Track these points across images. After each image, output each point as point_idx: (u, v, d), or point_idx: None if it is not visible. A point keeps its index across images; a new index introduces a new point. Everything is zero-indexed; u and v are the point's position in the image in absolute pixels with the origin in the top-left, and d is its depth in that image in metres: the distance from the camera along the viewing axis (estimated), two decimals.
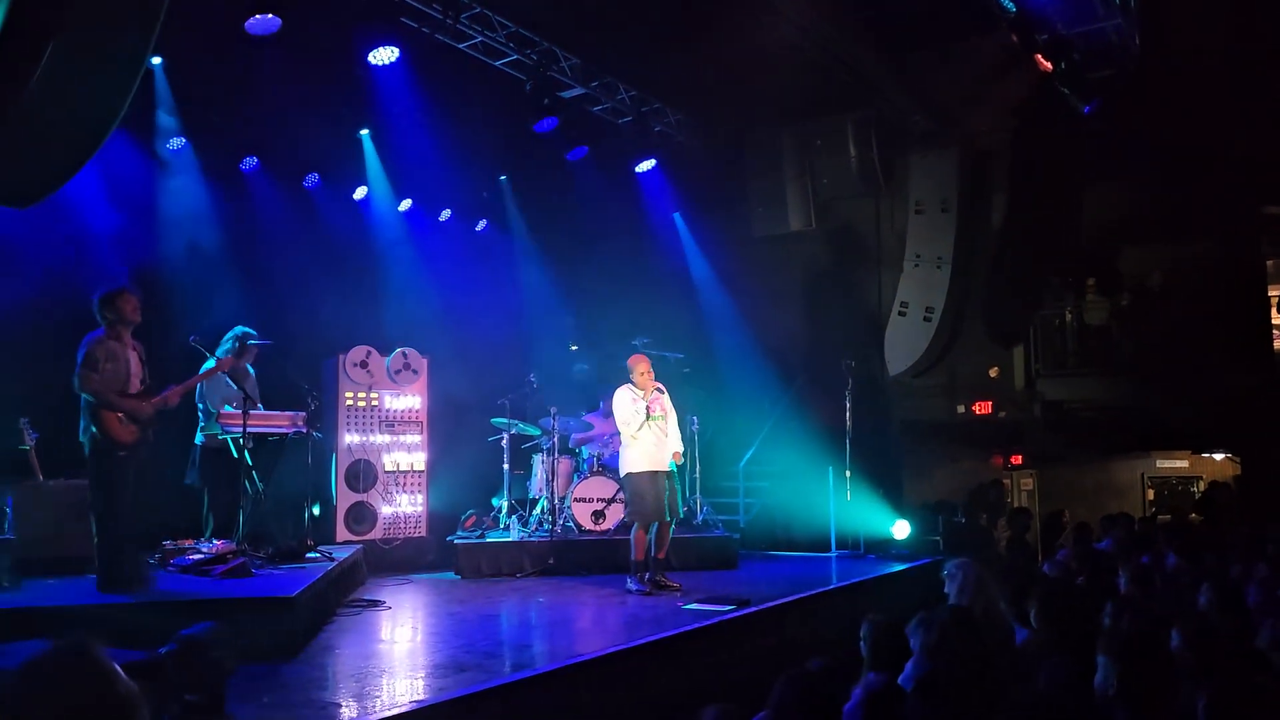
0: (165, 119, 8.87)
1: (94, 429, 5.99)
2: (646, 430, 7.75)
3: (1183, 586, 5.51)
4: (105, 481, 6.03)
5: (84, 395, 6.01)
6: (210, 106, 9.04)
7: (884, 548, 10.38)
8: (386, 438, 9.62)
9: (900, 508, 11.09)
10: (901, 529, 10.49)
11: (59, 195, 5.35)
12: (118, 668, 1.81)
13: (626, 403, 7.83)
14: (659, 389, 7.97)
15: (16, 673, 1.75)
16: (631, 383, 7.96)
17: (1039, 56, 9.64)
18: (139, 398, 6.19)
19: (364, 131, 10.66)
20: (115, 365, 6.09)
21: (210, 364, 7.37)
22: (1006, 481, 12.49)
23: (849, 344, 12.48)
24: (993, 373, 12.71)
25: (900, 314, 12.76)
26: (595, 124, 11.42)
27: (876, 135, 12.62)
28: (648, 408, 7.78)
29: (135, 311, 6.19)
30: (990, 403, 12.63)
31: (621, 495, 8.38)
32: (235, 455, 7.40)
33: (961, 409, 12.78)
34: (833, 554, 10.38)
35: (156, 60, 8.38)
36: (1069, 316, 12.38)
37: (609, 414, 8.31)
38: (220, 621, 3.72)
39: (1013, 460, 12.56)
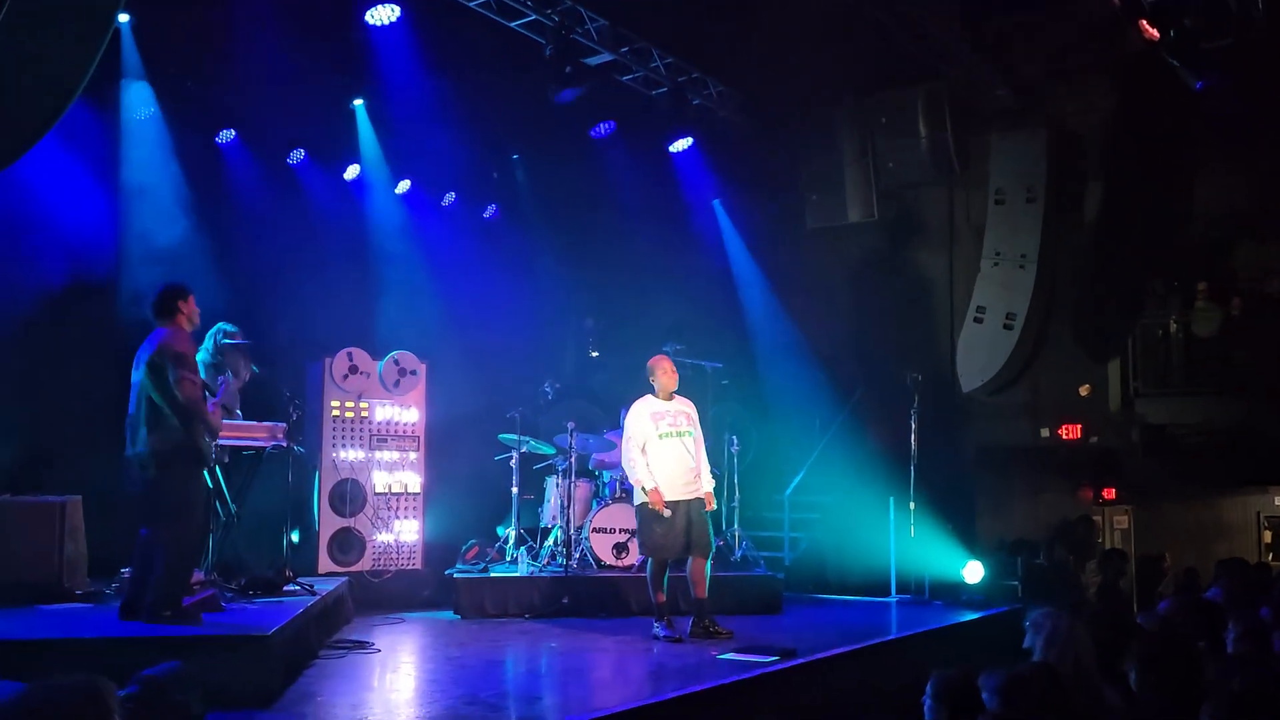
0: (133, 84, 8.99)
1: (178, 439, 6.20)
2: (667, 446, 7.70)
3: None
4: (179, 496, 6.27)
5: (186, 402, 6.19)
6: (184, 71, 9.16)
7: (953, 593, 10.30)
8: (378, 454, 9.67)
9: (972, 546, 11.00)
10: (974, 571, 10.41)
11: (11, 169, 5.44)
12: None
13: (642, 417, 7.79)
14: (683, 403, 7.93)
15: (17, 707, 1.79)
16: (652, 391, 7.93)
17: (1143, 22, 9.54)
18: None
19: (358, 102, 10.75)
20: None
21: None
22: (1097, 518, 12.36)
23: (915, 355, 12.41)
24: (1083, 390, 12.60)
25: (976, 320, 12.68)
26: (624, 96, 11.45)
27: (951, 112, 12.55)
28: (670, 422, 7.74)
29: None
30: (1079, 425, 12.51)
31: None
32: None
33: (1046, 432, 12.67)
34: (892, 599, 10.33)
35: (124, 18, 8.49)
36: (1174, 326, 12.25)
37: None
38: (186, 661, 3.75)
39: (1105, 494, 12.43)
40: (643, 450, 7.68)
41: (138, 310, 8.27)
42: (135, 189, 9.23)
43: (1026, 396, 12.84)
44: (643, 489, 7.64)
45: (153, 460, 6.20)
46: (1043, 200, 12.35)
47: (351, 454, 9.55)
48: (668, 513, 7.61)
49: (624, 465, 7.84)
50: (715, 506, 8.09)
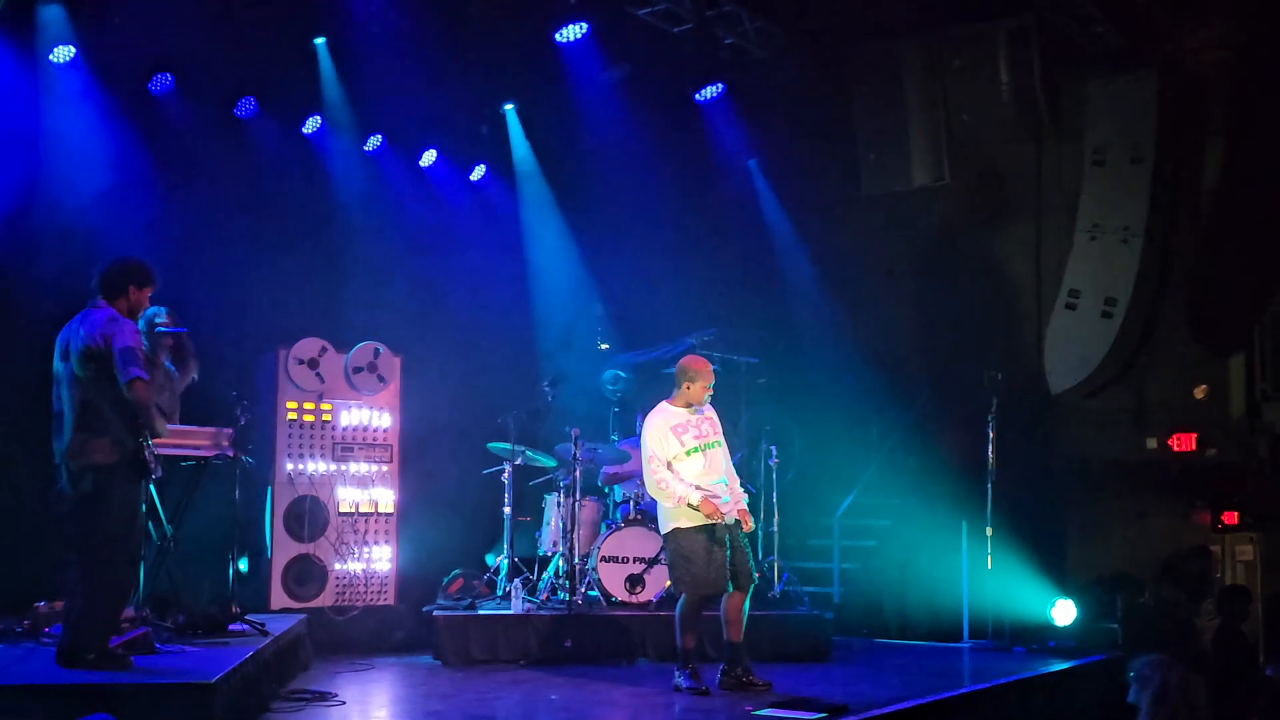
0: (49, 16, 9.03)
1: (120, 451, 6.22)
2: (695, 463, 7.72)
3: None
4: (114, 519, 6.27)
5: (138, 405, 6.23)
6: (109, 3, 9.20)
7: (1039, 637, 10.31)
8: (343, 466, 9.74)
9: (1062, 582, 11.01)
10: (1064, 612, 10.41)
11: None
12: None
13: (661, 433, 7.79)
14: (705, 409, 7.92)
15: None
16: (668, 398, 7.93)
17: None
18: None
19: (319, 40, 10.79)
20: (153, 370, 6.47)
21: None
22: (1216, 548, 12.30)
23: (994, 349, 12.38)
24: (1199, 393, 12.55)
25: (1069, 306, 12.66)
26: (641, 32, 11.45)
27: (1039, 53, 12.51)
28: (696, 435, 7.75)
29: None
30: (1194, 435, 12.47)
31: (665, 556, 8.38)
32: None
33: (1153, 443, 12.62)
34: (965, 644, 10.37)
35: None
36: None
37: None
38: (114, 714, 3.81)
39: (1225, 518, 12.36)
40: (669, 468, 7.67)
41: (42, 291, 8.37)
42: (50, 147, 9.28)
43: (1130, 400, 12.80)
44: (690, 504, 7.59)
45: (90, 473, 6.19)
46: (1151, 160, 12.29)
47: (311, 466, 9.60)
48: (728, 519, 7.62)
49: (651, 491, 7.82)
50: (753, 527, 8.10)
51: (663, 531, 7.89)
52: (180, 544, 8.03)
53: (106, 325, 6.22)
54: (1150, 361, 12.71)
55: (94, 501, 6.20)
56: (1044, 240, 13.22)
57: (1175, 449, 12.52)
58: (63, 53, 9.30)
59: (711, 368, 7.97)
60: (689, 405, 7.82)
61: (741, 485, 8.12)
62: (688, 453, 7.71)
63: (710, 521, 7.57)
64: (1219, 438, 12.41)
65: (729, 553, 7.67)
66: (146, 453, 6.27)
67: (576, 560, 9.48)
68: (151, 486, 7.42)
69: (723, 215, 13.23)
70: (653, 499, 8.05)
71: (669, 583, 8.43)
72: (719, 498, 7.63)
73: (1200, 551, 12.01)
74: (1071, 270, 12.68)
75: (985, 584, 10.44)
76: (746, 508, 7.91)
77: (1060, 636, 10.31)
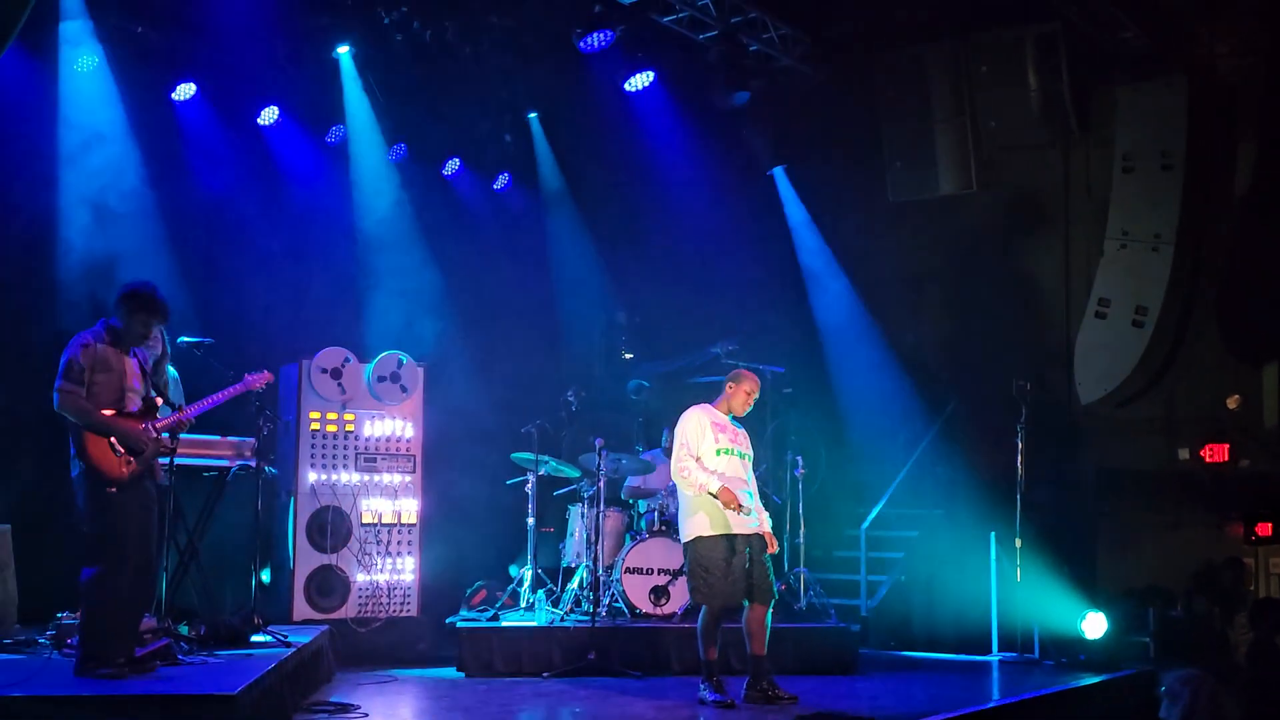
0: (72, 27, 9.09)
1: (80, 459, 6.38)
2: (724, 464, 7.69)
3: None
4: (95, 526, 6.41)
5: (66, 416, 6.40)
6: (134, 12, 9.24)
7: (1069, 651, 10.23)
8: (365, 477, 9.74)
9: (1093, 594, 10.92)
10: (1095, 625, 10.34)
11: None
12: None
13: (701, 423, 7.80)
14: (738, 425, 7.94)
15: None
16: (711, 404, 7.93)
17: None
18: (138, 418, 6.57)
19: (342, 49, 10.82)
20: (109, 376, 6.49)
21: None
22: (1249, 560, 12.23)
23: (1023, 358, 12.32)
24: (1232, 403, 12.47)
25: (1098, 316, 12.60)
26: (666, 40, 11.47)
27: (1067, 59, 12.48)
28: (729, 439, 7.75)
29: (149, 329, 6.70)
30: (1227, 446, 12.38)
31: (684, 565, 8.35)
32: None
33: (1185, 454, 12.54)
34: (994, 657, 10.30)
35: None
36: None
37: None
38: None
39: (1259, 530, 12.28)
40: (697, 461, 7.68)
41: (73, 306, 8.43)
42: (74, 158, 9.34)
43: (1161, 409, 12.72)
44: (709, 492, 7.58)
45: (73, 483, 6.45)
46: (1182, 167, 12.23)
47: (334, 476, 9.61)
48: (746, 508, 7.59)
49: (674, 476, 7.80)
50: (778, 549, 8.07)
51: (683, 540, 7.89)
52: (203, 555, 8.07)
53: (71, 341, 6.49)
54: (1181, 371, 12.63)
55: (84, 509, 6.40)
56: (1073, 248, 13.16)
57: (1207, 460, 12.44)
58: (86, 62, 9.35)
59: (757, 381, 7.97)
60: (729, 412, 7.86)
61: (773, 499, 8.11)
62: (718, 451, 7.72)
63: (730, 530, 7.56)
64: (1252, 448, 12.33)
65: (749, 565, 7.65)
66: (108, 463, 6.36)
67: (600, 572, 9.45)
68: (171, 498, 7.49)
69: (748, 223, 13.20)
70: (674, 511, 8.04)
71: (689, 596, 8.40)
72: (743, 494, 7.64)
73: (1233, 564, 11.94)
74: (1101, 279, 12.62)
75: (1014, 596, 10.37)
76: (771, 531, 7.88)
77: (1091, 650, 10.23)
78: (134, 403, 6.59)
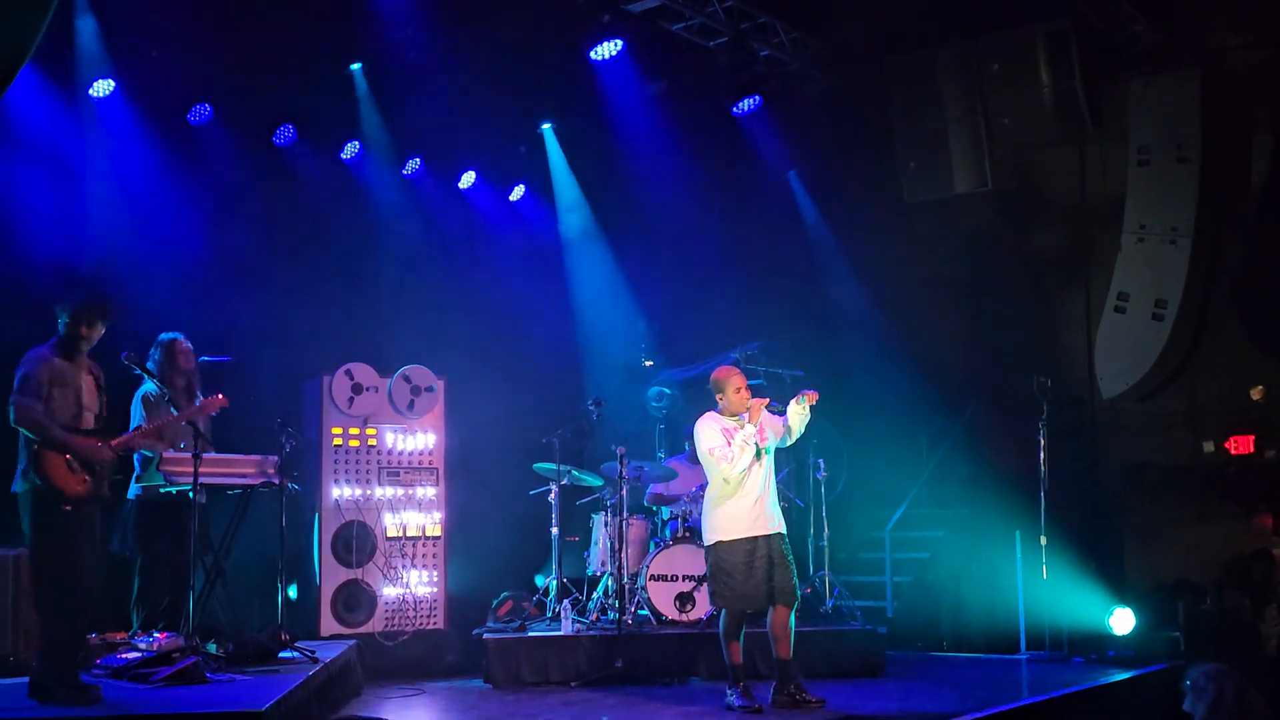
0: (88, 52, 9.14)
1: (34, 475, 6.31)
2: (745, 475, 7.68)
3: None
4: (48, 545, 6.37)
5: (22, 430, 6.35)
6: (148, 36, 9.29)
7: (1098, 647, 10.21)
8: (388, 491, 9.75)
9: (1121, 590, 10.88)
10: (1123, 621, 10.30)
11: None
12: None
13: (714, 428, 7.78)
14: (771, 407, 7.89)
15: None
16: (716, 411, 7.91)
17: None
18: (94, 435, 6.53)
19: (356, 65, 10.86)
20: (65, 392, 6.45)
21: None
22: (1278, 552, 12.16)
23: (1043, 355, 12.27)
24: (1256, 394, 12.39)
25: (1118, 310, 12.54)
26: (677, 48, 11.48)
27: (1079, 54, 12.44)
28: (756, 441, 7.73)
29: (95, 330, 6.60)
30: (1252, 437, 12.32)
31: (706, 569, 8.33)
32: (183, 515, 7.56)
33: (1210, 446, 12.47)
34: (1022, 655, 10.28)
35: None
36: None
37: (698, 460, 8.27)
38: None
39: None
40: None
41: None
42: (91, 181, 9.40)
43: (1184, 402, 12.65)
44: (748, 439, 7.60)
45: (18, 501, 6.41)
46: (1198, 159, 12.17)
47: (357, 491, 9.63)
48: (770, 528, 7.58)
49: (710, 465, 7.74)
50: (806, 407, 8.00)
51: (704, 544, 7.88)
52: (229, 573, 8.07)
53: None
54: (1203, 363, 12.57)
55: (31, 529, 6.39)
56: (1090, 244, 13.11)
57: (1233, 451, 12.37)
58: (103, 86, 9.41)
59: (744, 380, 7.93)
60: (733, 415, 7.82)
61: (796, 503, 8.10)
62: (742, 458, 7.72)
63: (752, 533, 7.55)
64: (1278, 439, 12.26)
65: (770, 567, 7.62)
66: (62, 480, 6.32)
67: (625, 579, 9.45)
68: (196, 517, 7.50)
69: (764, 228, 13.21)
70: (698, 517, 8.02)
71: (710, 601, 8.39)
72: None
73: (1263, 556, 11.85)
74: (1119, 273, 12.56)
75: (1041, 594, 10.34)
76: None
77: (1119, 646, 10.20)
78: (89, 420, 6.56)
